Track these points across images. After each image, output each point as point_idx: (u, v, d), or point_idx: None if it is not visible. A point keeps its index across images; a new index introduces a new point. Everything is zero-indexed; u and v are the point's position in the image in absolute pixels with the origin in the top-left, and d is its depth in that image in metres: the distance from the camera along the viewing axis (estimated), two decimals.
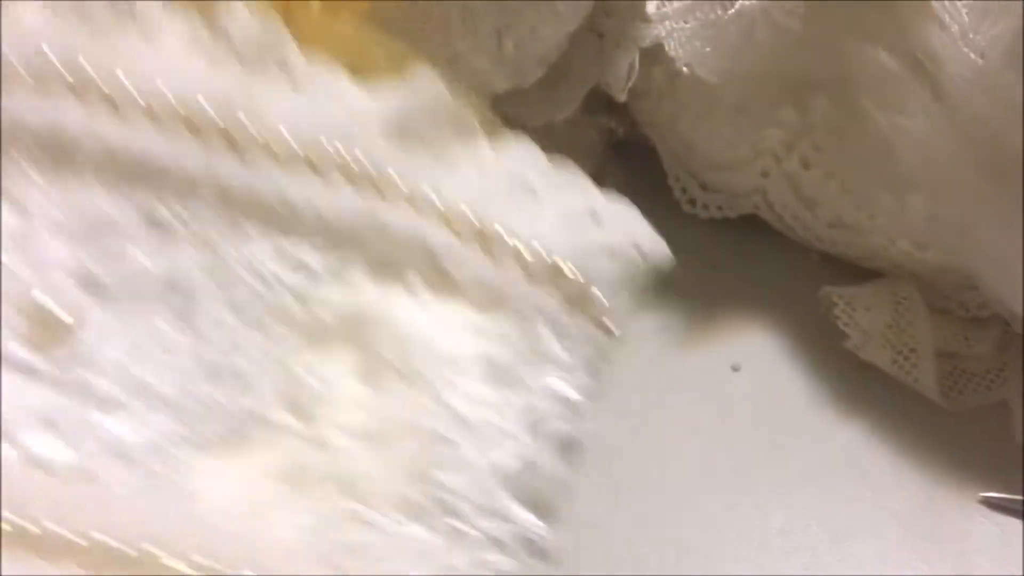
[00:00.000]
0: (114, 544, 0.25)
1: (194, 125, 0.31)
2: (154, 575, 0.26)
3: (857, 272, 0.46)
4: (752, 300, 0.46)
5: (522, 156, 0.34)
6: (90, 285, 0.30)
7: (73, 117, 0.31)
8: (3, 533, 0.25)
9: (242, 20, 0.33)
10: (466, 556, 0.27)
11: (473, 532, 0.27)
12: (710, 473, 0.39)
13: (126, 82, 0.31)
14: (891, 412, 0.42)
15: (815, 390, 0.43)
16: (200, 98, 0.31)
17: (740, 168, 0.44)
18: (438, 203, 0.32)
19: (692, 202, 0.48)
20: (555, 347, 0.31)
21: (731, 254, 0.48)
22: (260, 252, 0.31)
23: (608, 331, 0.32)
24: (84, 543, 0.25)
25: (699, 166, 0.46)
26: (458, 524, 0.27)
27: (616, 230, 0.34)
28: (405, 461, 0.28)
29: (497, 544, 0.27)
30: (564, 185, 0.34)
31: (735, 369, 0.44)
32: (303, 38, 0.33)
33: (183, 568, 0.25)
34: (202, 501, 0.27)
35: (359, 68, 0.34)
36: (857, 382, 0.43)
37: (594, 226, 0.33)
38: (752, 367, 0.44)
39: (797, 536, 0.38)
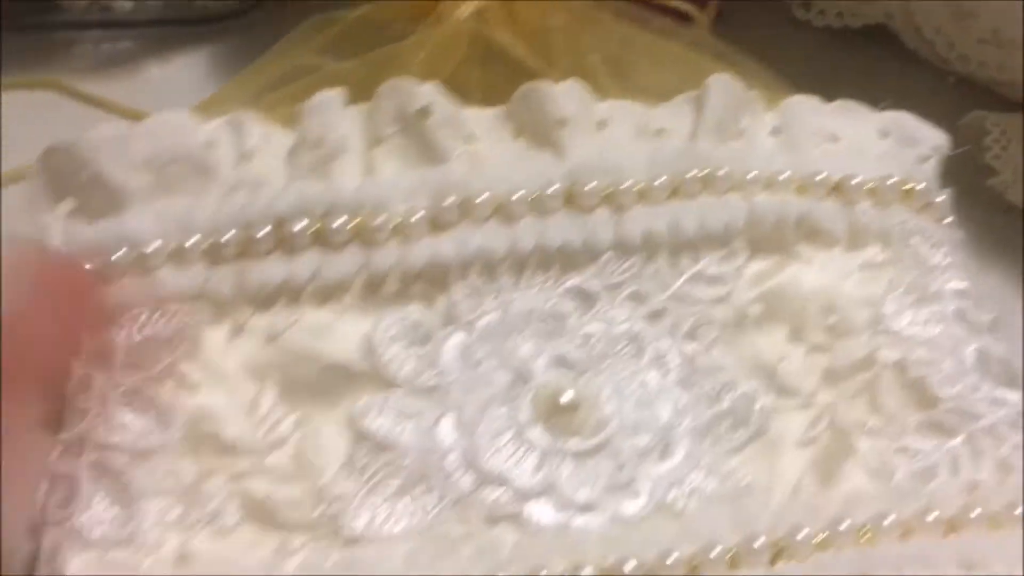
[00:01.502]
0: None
1: (573, 199, 0.35)
2: None
3: (999, 102, 0.41)
4: None
5: (801, 110, 0.39)
6: (569, 366, 0.34)
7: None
8: None
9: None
10: (1003, 446, 0.32)
11: (993, 423, 0.32)
12: None
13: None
14: None
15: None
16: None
17: None
18: (785, 177, 0.37)
19: (806, 6, 0.43)
20: (933, 254, 0.36)
21: (848, 70, 0.42)
22: (671, 280, 0.35)
23: (950, 223, 0.38)
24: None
25: None
26: (981, 423, 0.33)
27: (909, 137, 0.39)
28: (885, 394, 0.34)
29: (1013, 425, 0.33)
30: (847, 118, 0.39)
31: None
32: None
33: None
34: (764, 490, 0.32)
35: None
36: (999, 227, 0.40)
37: (889, 141, 0.39)
38: None
39: None
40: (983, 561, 0.30)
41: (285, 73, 0.41)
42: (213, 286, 0.33)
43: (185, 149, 0.34)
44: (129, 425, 0.31)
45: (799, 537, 0.30)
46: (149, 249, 0.33)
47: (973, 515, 0.31)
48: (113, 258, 0.33)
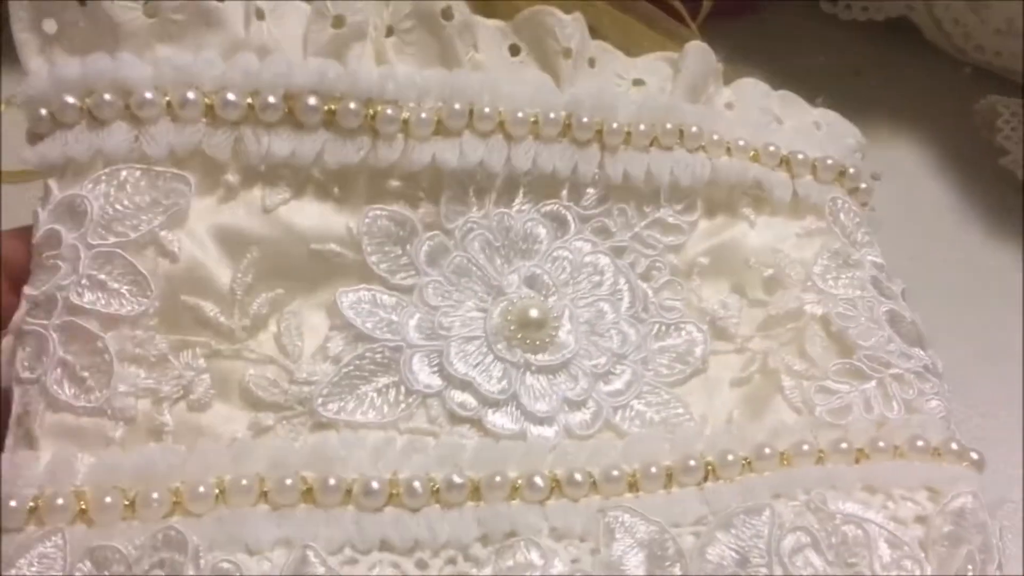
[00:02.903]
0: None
1: (568, 129, 0.36)
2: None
3: (1015, 90, 0.44)
4: (896, 110, 0.44)
5: (752, 90, 0.41)
6: (539, 286, 0.35)
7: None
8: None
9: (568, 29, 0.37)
10: (909, 391, 0.36)
11: (901, 372, 0.36)
12: None
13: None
14: None
15: (964, 207, 0.43)
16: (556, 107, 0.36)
17: None
18: (743, 144, 0.39)
19: (834, 1, 0.45)
20: (857, 230, 0.40)
21: (874, 61, 0.45)
22: (636, 221, 0.37)
23: (870, 208, 0.42)
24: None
25: None
26: (892, 371, 0.36)
27: (838, 131, 0.42)
28: (811, 342, 0.37)
29: (919, 376, 0.37)
30: (789, 106, 0.42)
31: (874, 178, 0.43)
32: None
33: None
34: (700, 420, 0.35)
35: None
36: (1012, 203, 0.42)
37: (822, 132, 0.42)
38: (895, 178, 0.43)
39: (939, 352, 0.38)
40: (884, 484, 0.34)
41: None
42: (211, 148, 0.32)
43: None
44: (103, 289, 0.30)
45: (729, 459, 0.34)
46: (144, 97, 0.31)
47: (880, 445, 0.35)
48: (102, 99, 0.30)
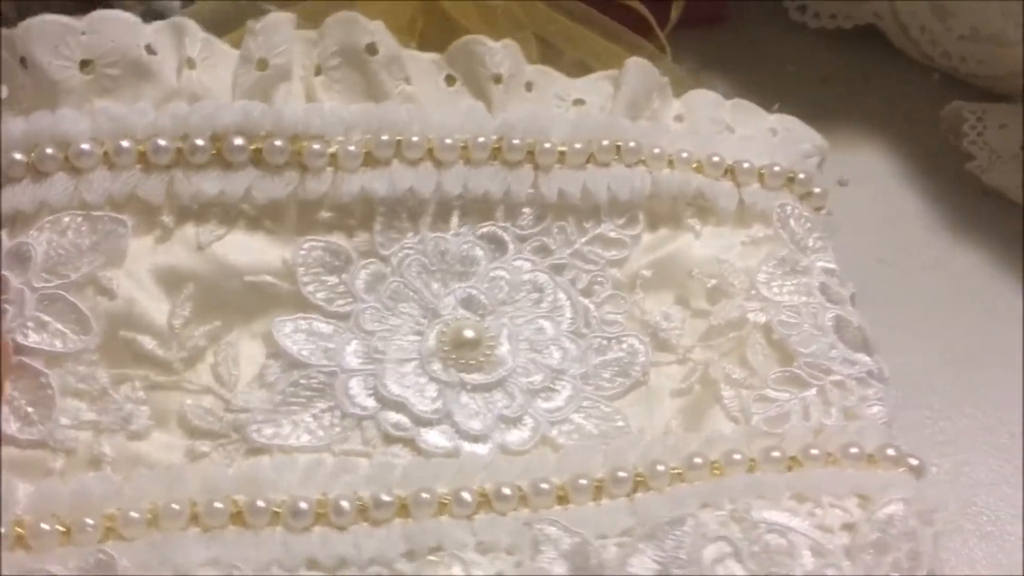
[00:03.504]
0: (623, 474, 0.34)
1: (499, 152, 0.37)
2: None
3: (981, 96, 0.44)
4: (865, 117, 0.45)
5: (703, 101, 0.42)
6: (475, 306, 0.37)
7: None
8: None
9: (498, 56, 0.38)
10: (849, 398, 0.36)
11: (843, 378, 0.37)
12: None
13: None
14: (1013, 241, 0.43)
15: (931, 212, 0.43)
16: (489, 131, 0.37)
17: None
18: (687, 156, 0.39)
19: (802, 9, 0.45)
20: (808, 235, 0.40)
21: (843, 68, 0.46)
22: (576, 238, 0.38)
23: (825, 212, 0.42)
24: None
25: None
26: (832, 377, 0.37)
27: (794, 136, 0.42)
28: (752, 350, 0.37)
29: (861, 382, 0.37)
30: (742, 114, 0.42)
31: (842, 183, 0.45)
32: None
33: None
34: (638, 432, 0.36)
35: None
36: (977, 207, 0.43)
37: (777, 138, 0.42)
38: (863, 183, 0.44)
39: (907, 357, 0.38)
40: (814, 492, 0.34)
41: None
42: (145, 192, 0.34)
43: (126, 50, 0.34)
44: (47, 329, 0.32)
45: (659, 469, 0.34)
46: (81, 148, 0.33)
47: (813, 453, 0.35)
48: (44, 153, 0.33)
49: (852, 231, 0.41)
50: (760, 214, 0.40)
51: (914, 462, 0.35)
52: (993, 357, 0.42)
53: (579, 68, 0.42)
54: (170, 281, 0.34)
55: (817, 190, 0.42)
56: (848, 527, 0.33)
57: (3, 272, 0.32)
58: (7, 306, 0.32)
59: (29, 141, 0.33)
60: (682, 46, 0.45)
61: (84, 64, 0.34)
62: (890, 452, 0.35)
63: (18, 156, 0.33)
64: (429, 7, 0.42)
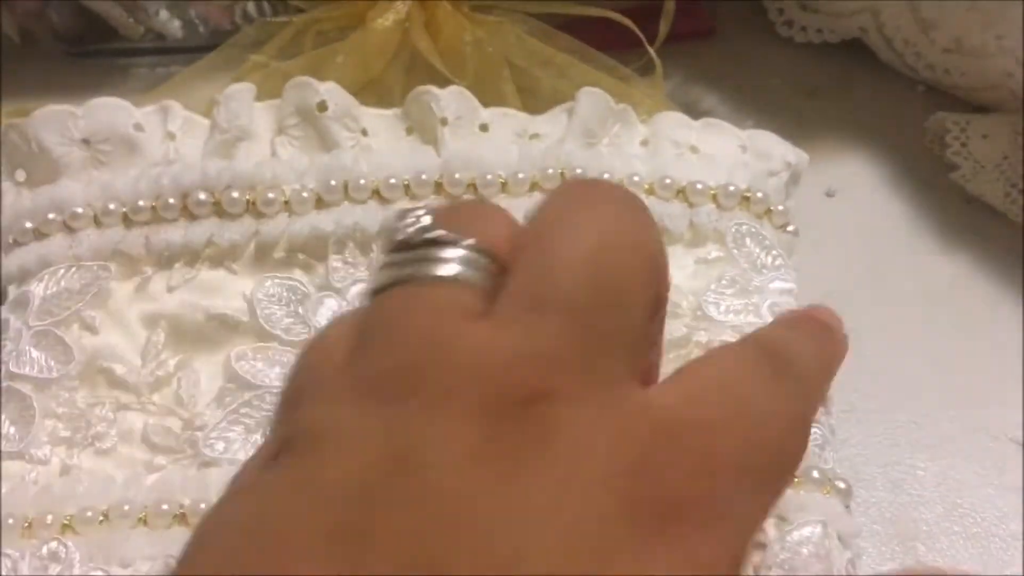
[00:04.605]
0: None
1: (440, 187, 0.40)
2: None
3: (965, 108, 0.45)
4: (851, 129, 0.46)
5: (667, 124, 0.43)
6: None
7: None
8: None
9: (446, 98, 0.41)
10: None
11: None
12: (800, 295, 0.38)
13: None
14: (996, 249, 0.43)
15: (917, 221, 0.43)
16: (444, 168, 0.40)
17: None
18: (639, 179, 0.40)
19: (789, 24, 0.46)
20: (764, 255, 0.40)
21: (829, 82, 0.46)
22: None
23: (790, 231, 0.41)
24: None
25: None
26: None
27: (764, 153, 0.42)
28: None
29: None
30: (710, 133, 0.43)
31: (829, 195, 0.44)
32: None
33: None
34: None
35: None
36: (962, 216, 0.43)
37: (747, 155, 0.42)
38: (850, 194, 0.44)
39: (893, 362, 0.38)
40: None
41: (238, 69, 0.47)
42: (125, 246, 0.39)
43: (118, 129, 0.40)
44: (36, 359, 0.37)
45: None
46: (75, 211, 0.39)
47: None
48: (46, 218, 0.39)
49: (839, 240, 0.41)
50: (714, 234, 0.40)
51: (841, 485, 0.34)
52: (976, 362, 0.41)
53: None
54: (145, 319, 0.39)
55: (780, 208, 0.41)
56: (760, 547, 0.32)
57: (6, 316, 0.38)
58: (7, 342, 0.38)
59: (36, 210, 0.40)
60: (668, 60, 0.46)
61: (84, 142, 0.40)
62: (815, 475, 0.33)
63: (28, 224, 0.40)
64: (401, 45, 0.46)
